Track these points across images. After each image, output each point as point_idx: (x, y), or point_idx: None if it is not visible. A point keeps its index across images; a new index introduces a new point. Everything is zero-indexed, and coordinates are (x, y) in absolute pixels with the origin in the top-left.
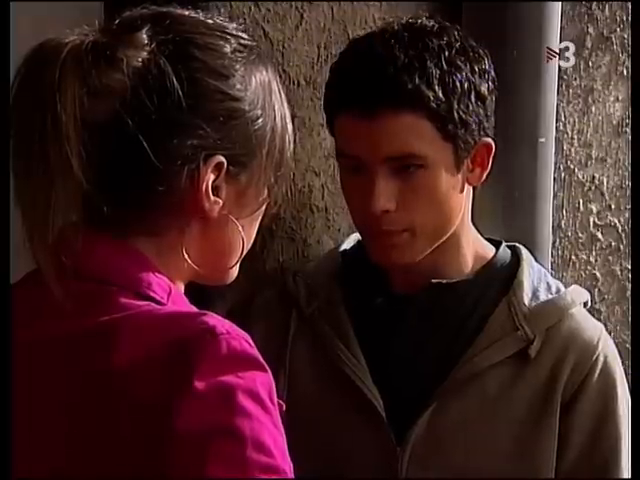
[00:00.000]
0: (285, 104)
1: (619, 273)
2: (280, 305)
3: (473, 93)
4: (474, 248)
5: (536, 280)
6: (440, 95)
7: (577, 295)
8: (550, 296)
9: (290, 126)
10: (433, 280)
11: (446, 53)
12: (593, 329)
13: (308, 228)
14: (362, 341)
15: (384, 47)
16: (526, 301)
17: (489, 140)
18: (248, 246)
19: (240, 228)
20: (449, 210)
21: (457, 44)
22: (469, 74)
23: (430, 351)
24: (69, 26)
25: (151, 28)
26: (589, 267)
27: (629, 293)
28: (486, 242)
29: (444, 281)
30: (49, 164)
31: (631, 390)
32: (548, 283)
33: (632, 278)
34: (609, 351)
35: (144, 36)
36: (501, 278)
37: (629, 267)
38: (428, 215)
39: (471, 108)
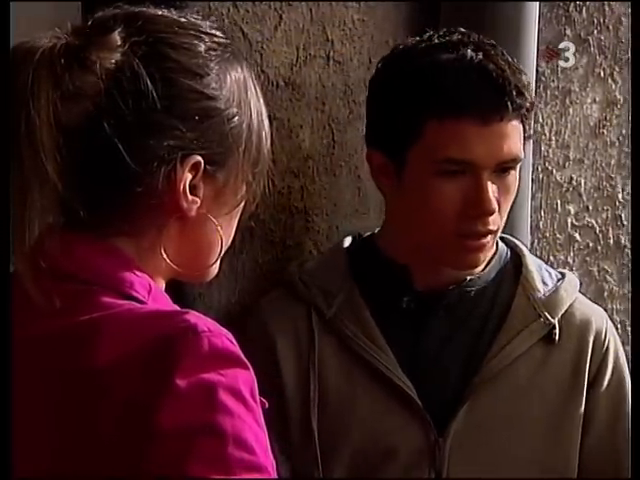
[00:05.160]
0: (261, 101)
1: (596, 274)
2: (296, 310)
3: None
4: None
5: (538, 268)
6: (530, 101)
7: (576, 280)
8: (554, 282)
9: (266, 123)
10: (469, 277)
11: (516, 64)
12: (601, 311)
13: (287, 230)
14: (388, 338)
15: (483, 55)
16: (540, 289)
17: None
18: (227, 244)
19: (219, 227)
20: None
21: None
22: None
23: (458, 346)
24: (49, 26)
25: (124, 29)
26: (567, 268)
27: (606, 294)
28: None
29: (470, 278)
30: (24, 168)
31: (632, 390)
32: (548, 270)
33: (632, 278)
34: (614, 331)
35: (117, 37)
36: (509, 269)
37: (606, 268)
38: (505, 215)
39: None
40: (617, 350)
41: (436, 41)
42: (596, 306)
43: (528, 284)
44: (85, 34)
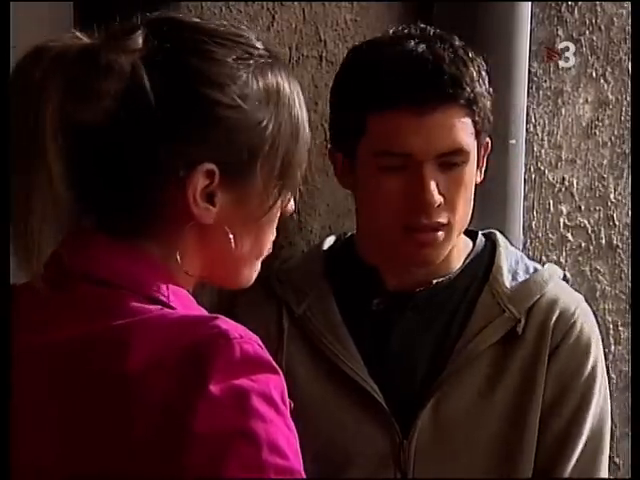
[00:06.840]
0: (299, 112)
1: (589, 274)
2: (268, 306)
3: (489, 93)
4: (460, 243)
5: (514, 263)
6: (480, 92)
7: (553, 271)
8: (528, 276)
9: (304, 134)
10: (435, 280)
11: (470, 55)
12: (571, 299)
13: (280, 229)
14: (356, 338)
15: (425, 47)
16: (507, 283)
17: (488, 140)
18: (263, 252)
19: (231, 236)
20: (471, 206)
21: (469, 48)
22: (485, 74)
23: (425, 346)
24: (41, 26)
25: (146, 33)
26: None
27: (599, 294)
28: (464, 235)
29: (442, 279)
30: (30, 170)
31: (632, 390)
32: (526, 264)
33: (632, 278)
34: (586, 320)
35: (137, 41)
36: (482, 266)
37: (598, 268)
38: (462, 210)
39: (489, 106)
40: (583, 335)
41: (385, 37)
42: (573, 293)
43: (494, 279)
44: (104, 37)
